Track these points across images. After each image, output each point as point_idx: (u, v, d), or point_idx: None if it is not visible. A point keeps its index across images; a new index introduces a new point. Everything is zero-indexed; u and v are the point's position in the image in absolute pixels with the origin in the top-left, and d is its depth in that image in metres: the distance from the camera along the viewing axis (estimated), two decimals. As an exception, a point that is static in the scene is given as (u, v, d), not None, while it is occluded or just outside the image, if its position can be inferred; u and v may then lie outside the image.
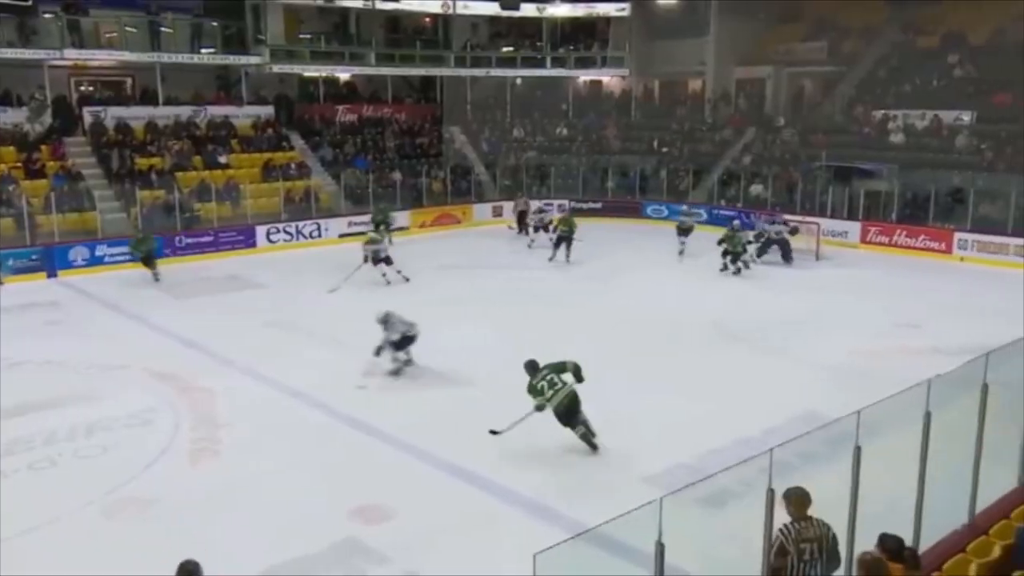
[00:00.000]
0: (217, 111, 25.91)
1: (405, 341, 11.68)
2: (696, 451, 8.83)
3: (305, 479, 8.66)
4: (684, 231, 20.64)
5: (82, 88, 25.75)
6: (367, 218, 23.12)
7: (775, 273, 18.57)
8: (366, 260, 17.49)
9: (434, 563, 7.00)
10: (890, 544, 5.02)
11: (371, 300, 16.12)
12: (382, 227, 21.05)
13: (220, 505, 8.10)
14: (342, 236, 22.99)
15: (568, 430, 9.07)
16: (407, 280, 17.61)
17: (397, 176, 26.05)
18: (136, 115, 24.53)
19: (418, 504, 8.04)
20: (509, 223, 24.59)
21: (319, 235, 23.19)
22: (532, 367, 9.13)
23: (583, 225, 21.16)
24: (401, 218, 24.95)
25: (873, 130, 25.09)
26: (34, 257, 18.91)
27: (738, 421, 9.71)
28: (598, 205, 27.10)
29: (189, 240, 21.36)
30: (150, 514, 7.99)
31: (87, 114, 23.87)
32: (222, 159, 24.43)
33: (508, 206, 26.15)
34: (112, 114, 24.15)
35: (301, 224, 23.18)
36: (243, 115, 26.26)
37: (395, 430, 9.79)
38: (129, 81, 26.75)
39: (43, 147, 22.39)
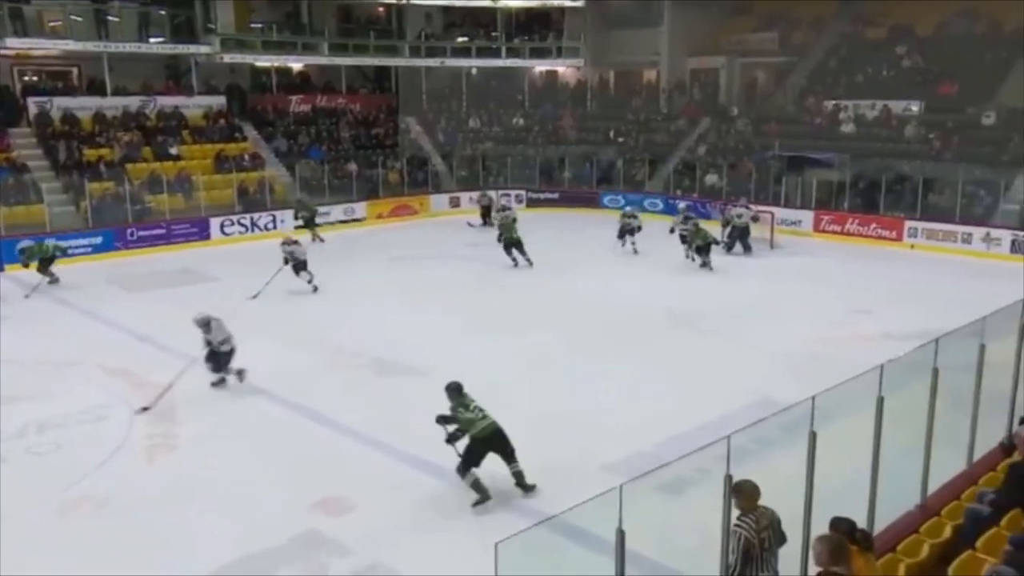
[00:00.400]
0: (167, 101, 25.46)
1: (218, 355, 10.88)
2: (655, 438, 8.92)
3: (265, 473, 8.59)
4: (629, 231, 19.89)
5: (26, 78, 25.12)
6: (323, 209, 23.01)
7: (731, 263, 18.79)
8: (286, 263, 16.02)
9: (397, 554, 7.00)
10: (843, 527, 5.12)
11: (330, 292, 16.07)
12: (307, 223, 21.43)
13: (177, 501, 7.99)
14: (297, 228, 22.74)
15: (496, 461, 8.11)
16: (316, 289, 16.14)
17: (352, 167, 25.82)
18: (83, 105, 24.01)
19: (379, 496, 8.02)
20: (469, 221, 24.26)
21: (274, 227, 22.89)
22: (457, 391, 8.11)
23: (540, 216, 21.18)
24: (358, 209, 24.80)
25: (824, 120, 25.48)
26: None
27: (697, 408, 9.84)
28: (555, 195, 27.17)
29: (142, 233, 20.97)
30: (105, 512, 7.86)
31: (32, 104, 23.28)
32: (173, 150, 24.01)
33: (465, 197, 26.12)
34: (58, 104, 23.62)
35: (256, 216, 22.90)
36: (194, 105, 25.81)
37: (354, 423, 9.75)
38: (75, 71, 26.10)
39: (-14, 138, 21.79)
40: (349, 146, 27.46)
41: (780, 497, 5.32)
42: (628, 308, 14.79)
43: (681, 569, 6.44)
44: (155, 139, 24.13)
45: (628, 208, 22.91)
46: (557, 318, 14.15)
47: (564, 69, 32.91)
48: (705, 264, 18.05)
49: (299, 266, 16.10)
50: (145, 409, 10.14)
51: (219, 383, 11.05)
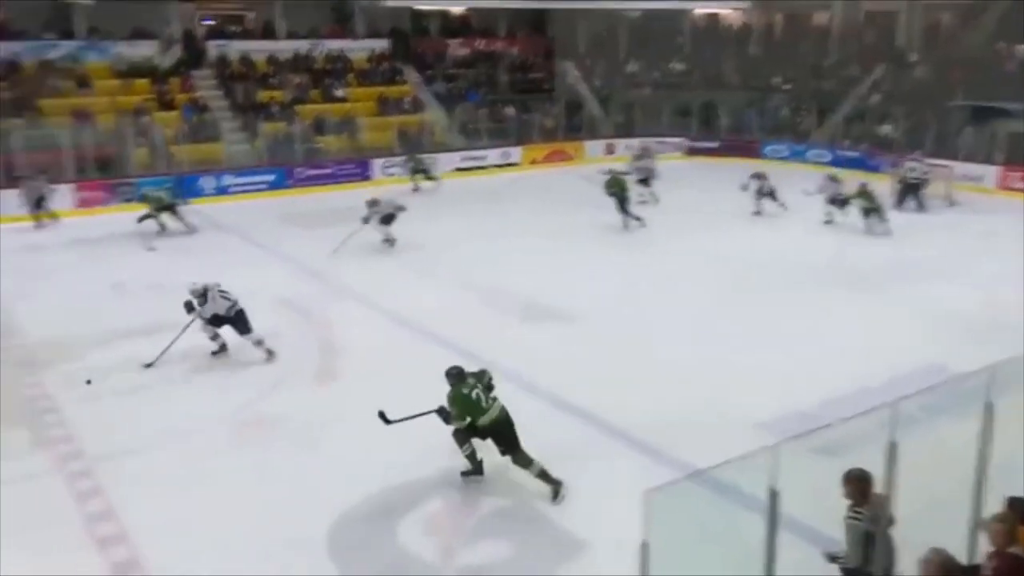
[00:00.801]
0: (334, 45, 26.35)
1: (222, 320, 10.21)
2: (814, 398, 8.66)
3: (417, 407, 8.92)
4: (616, 193, 17.02)
5: (207, 23, 26.60)
6: (480, 153, 23.27)
7: (903, 220, 17.69)
8: (365, 222, 15.26)
9: (542, 494, 7.16)
10: (1019, 507, 4.85)
11: (483, 234, 16.37)
12: (419, 175, 21.33)
13: (343, 425, 8.46)
14: (457, 170, 23.29)
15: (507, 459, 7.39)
16: (392, 244, 15.48)
17: (510, 111, 25.97)
18: (258, 49, 25.25)
19: (526, 435, 8.18)
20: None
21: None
22: (458, 376, 7.31)
23: (697, 165, 20.57)
24: (514, 153, 24.97)
25: (1016, 66, 23.36)
26: (167, 186, 19.80)
27: (860, 370, 9.43)
28: (714, 144, 26.39)
29: (310, 172, 21.99)
30: (277, 432, 8.44)
31: (212, 48, 24.66)
32: (339, 92, 24.89)
33: (621, 144, 25.73)
34: (235, 48, 24.90)
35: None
36: (358, 49, 26.60)
37: (509, 363, 9.95)
38: (251, 15, 27.43)
39: (172, 80, 23.30)
40: (506, 90, 27.58)
41: (945, 471, 5.08)
42: (787, 264, 14.29)
43: (834, 534, 6.29)
44: (322, 81, 25.09)
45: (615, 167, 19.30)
46: (711, 271, 13.88)
47: (728, 11, 31.62)
48: (879, 228, 16.52)
49: (386, 219, 15.44)
50: (148, 366, 9.85)
51: (220, 351, 10.37)
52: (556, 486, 7.12)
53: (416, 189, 21.27)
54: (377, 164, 22.90)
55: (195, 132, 21.96)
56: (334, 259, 14.71)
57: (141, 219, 16.66)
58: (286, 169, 21.77)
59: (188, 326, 10.05)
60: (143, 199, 17.24)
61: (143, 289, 13.21)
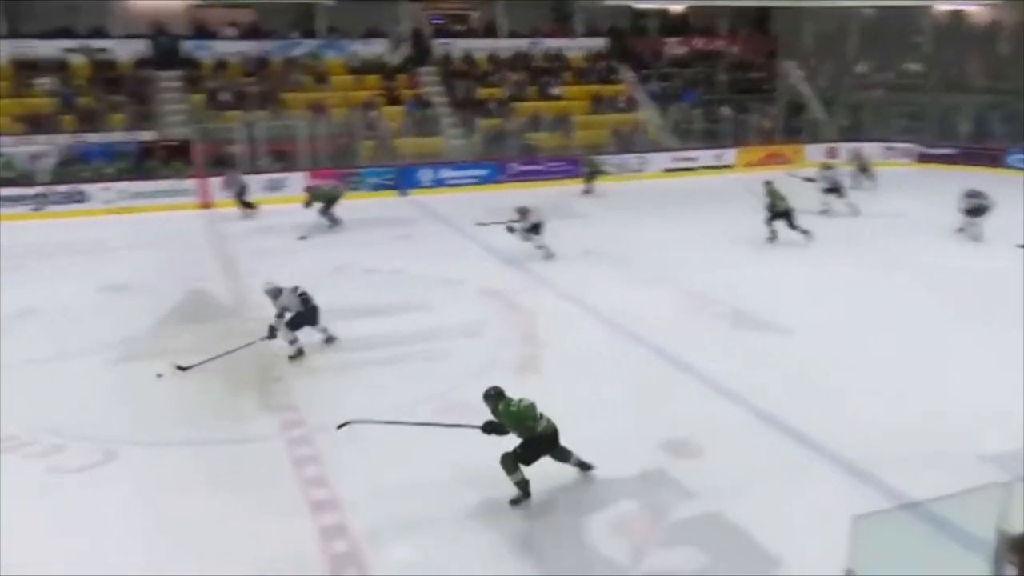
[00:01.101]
0: (552, 43, 26.81)
1: (300, 318, 10.25)
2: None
3: (617, 404, 8.91)
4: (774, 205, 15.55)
5: (435, 22, 27.88)
6: (692, 154, 22.86)
7: None
8: (511, 230, 14.71)
9: (740, 506, 6.93)
10: None
11: (698, 238, 16.05)
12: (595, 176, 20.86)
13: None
14: (666, 171, 23.01)
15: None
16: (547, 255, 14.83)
17: (726, 111, 25.31)
18: (480, 47, 26.15)
19: (728, 445, 7.96)
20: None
21: (642, 169, 23.33)
22: (498, 395, 7.15)
23: (932, 173, 19.07)
24: (727, 155, 24.34)
25: None
26: (389, 177, 21.06)
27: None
28: (951, 151, 24.38)
29: (522, 168, 22.53)
30: (477, 418, 8.69)
31: (438, 46, 25.83)
32: (555, 91, 25.29)
33: (844, 148, 24.35)
34: (459, 46, 25.95)
35: (626, 157, 23.45)
36: (576, 47, 26.90)
37: (708, 369, 9.73)
38: (475, 15, 28.46)
39: (399, 76, 24.64)
40: (724, 90, 26.91)
41: None
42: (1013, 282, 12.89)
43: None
44: (539, 79, 25.59)
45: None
46: (931, 289, 12.80)
47: (975, 8, 29.06)
48: None
49: (533, 229, 14.83)
50: (183, 368, 9.68)
51: (296, 356, 10.29)
52: (587, 465, 7.33)
53: (588, 192, 20.98)
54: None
55: (418, 126, 23.11)
56: (536, 254, 14.87)
57: (321, 213, 17.14)
58: (499, 164, 22.43)
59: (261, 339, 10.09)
60: (312, 194, 17.53)
61: (361, 273, 14.09)
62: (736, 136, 25.02)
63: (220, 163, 20.51)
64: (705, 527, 6.73)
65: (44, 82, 21.55)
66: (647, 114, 25.47)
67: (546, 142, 23.51)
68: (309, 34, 25.30)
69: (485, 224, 15.35)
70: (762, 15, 29.90)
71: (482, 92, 24.77)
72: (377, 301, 12.36)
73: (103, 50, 22.99)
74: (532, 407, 7.02)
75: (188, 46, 23.82)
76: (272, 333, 10.10)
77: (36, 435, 8.28)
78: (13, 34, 22.78)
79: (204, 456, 7.89)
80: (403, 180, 21.30)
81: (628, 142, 24.06)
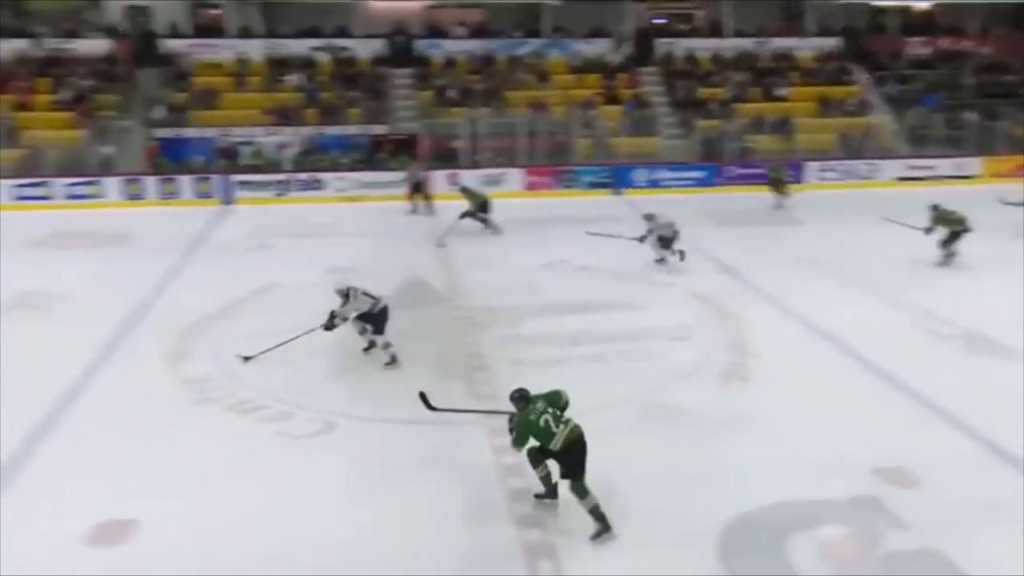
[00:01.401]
0: (781, 43, 25.84)
1: (370, 317, 10.02)
2: None
3: (827, 424, 8.49)
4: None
5: (658, 21, 27.66)
6: (930, 162, 21.27)
7: None
8: (642, 240, 14.36)
9: (961, 543, 6.39)
10: None
11: (918, 255, 14.90)
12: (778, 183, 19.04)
13: (743, 429, 8.36)
14: (899, 179, 21.53)
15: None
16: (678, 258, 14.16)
17: (971, 117, 23.26)
18: (704, 47, 25.66)
19: (950, 477, 7.36)
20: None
21: (871, 176, 21.96)
22: (523, 399, 6.80)
23: None
24: (971, 165, 22.39)
25: None
26: (605, 175, 21.13)
27: None
28: None
29: (740, 171, 21.88)
30: (677, 423, 8.59)
31: (660, 45, 25.60)
32: (780, 91, 24.35)
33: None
34: (682, 46, 25.60)
35: (854, 163, 22.17)
36: (807, 47, 25.76)
37: (933, 395, 9.03)
38: (700, 14, 27.95)
39: (620, 76, 24.65)
40: (971, 94, 24.75)
41: None
42: None
43: None
44: (764, 80, 24.72)
45: None
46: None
47: None
48: None
49: (665, 242, 14.22)
50: (247, 359, 10.01)
51: (369, 348, 10.37)
52: (602, 527, 6.53)
53: (780, 206, 19.10)
54: (812, 167, 21.99)
55: (635, 126, 23.03)
56: (748, 260, 14.42)
57: (463, 216, 16.80)
58: (716, 166, 21.91)
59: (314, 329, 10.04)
60: (467, 195, 17.29)
61: (574, 270, 14.25)
62: (981, 144, 22.92)
63: (443, 157, 21.47)
64: (922, 563, 6.27)
65: (292, 78, 23.52)
66: (880, 118, 23.90)
67: (766, 145, 22.66)
68: (534, 33, 25.90)
69: (598, 234, 15.10)
70: (1020, 13, 27.16)
71: (703, 92, 24.28)
72: (586, 297, 12.47)
73: (345, 49, 24.77)
74: (546, 429, 6.56)
75: (421, 45, 25.17)
76: (331, 323, 9.95)
77: (268, 401, 9.08)
78: (270, 34, 25.08)
79: (412, 435, 8.29)
80: (618, 179, 21.29)
81: (857, 147, 22.70)
